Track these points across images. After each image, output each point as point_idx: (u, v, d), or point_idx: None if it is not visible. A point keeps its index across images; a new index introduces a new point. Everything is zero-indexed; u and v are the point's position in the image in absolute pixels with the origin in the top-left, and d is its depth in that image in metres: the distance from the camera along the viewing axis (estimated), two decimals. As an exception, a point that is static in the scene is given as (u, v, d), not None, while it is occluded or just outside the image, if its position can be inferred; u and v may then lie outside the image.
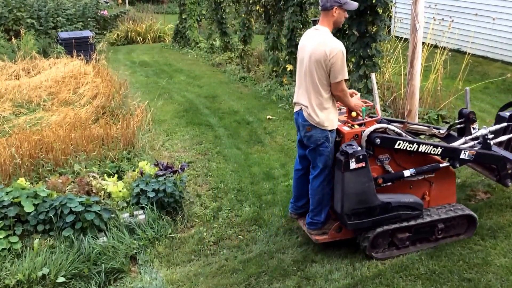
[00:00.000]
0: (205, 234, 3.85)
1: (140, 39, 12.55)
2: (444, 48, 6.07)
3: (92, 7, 12.17)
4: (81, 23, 11.55)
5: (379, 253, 3.42)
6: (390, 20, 7.55)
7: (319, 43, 3.26)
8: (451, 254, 3.42)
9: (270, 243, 3.70)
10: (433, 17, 6.44)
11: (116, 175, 4.34)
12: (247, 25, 8.93)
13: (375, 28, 5.60)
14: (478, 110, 5.86)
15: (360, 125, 3.39)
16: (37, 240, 3.49)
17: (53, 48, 9.68)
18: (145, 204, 3.88)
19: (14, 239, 3.48)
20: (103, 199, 3.97)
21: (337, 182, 3.28)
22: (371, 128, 3.30)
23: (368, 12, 5.57)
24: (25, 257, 3.37)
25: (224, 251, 3.66)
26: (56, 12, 11.23)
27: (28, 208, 3.56)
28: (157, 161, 4.42)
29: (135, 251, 3.61)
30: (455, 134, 3.92)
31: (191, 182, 4.67)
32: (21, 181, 3.84)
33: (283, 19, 7.63)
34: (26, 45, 8.97)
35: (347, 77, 3.29)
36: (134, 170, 4.38)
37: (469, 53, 6.32)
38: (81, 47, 8.97)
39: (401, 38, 6.67)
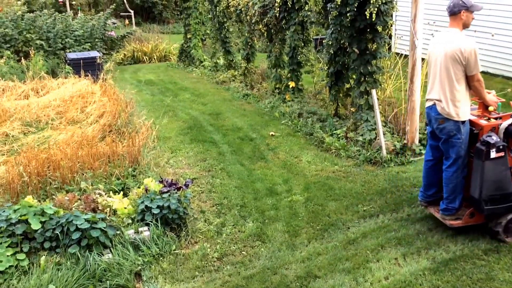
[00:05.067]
0: (208, 250, 3.88)
1: (146, 58, 12.79)
2: (444, 64, 6.15)
3: (99, 28, 12.44)
4: (89, 44, 11.80)
5: (509, 238, 3.67)
6: (390, 38, 7.66)
7: (453, 42, 3.58)
8: (454, 269, 3.43)
9: (273, 259, 3.73)
10: (432, 34, 6.54)
11: (121, 192, 4.40)
12: (250, 43, 9.10)
13: (375, 46, 5.71)
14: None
15: (495, 118, 3.65)
16: (43, 257, 3.54)
17: (61, 69, 9.87)
18: (150, 221, 3.93)
19: (21, 256, 3.53)
20: (109, 216, 4.02)
21: (476, 170, 3.56)
22: (509, 121, 3.58)
23: (368, 30, 5.70)
24: (32, 274, 3.41)
25: (227, 267, 3.69)
26: (65, 34, 11.48)
27: (35, 225, 3.62)
28: (161, 178, 4.49)
29: (139, 267, 3.64)
30: None
31: (195, 199, 4.72)
32: (29, 199, 3.90)
33: (285, 38, 7.79)
34: (35, 66, 9.16)
35: (480, 70, 3.58)
36: (139, 187, 4.44)
37: (469, 69, 6.38)
38: (89, 67, 9.16)
39: (401, 54, 6.77)
